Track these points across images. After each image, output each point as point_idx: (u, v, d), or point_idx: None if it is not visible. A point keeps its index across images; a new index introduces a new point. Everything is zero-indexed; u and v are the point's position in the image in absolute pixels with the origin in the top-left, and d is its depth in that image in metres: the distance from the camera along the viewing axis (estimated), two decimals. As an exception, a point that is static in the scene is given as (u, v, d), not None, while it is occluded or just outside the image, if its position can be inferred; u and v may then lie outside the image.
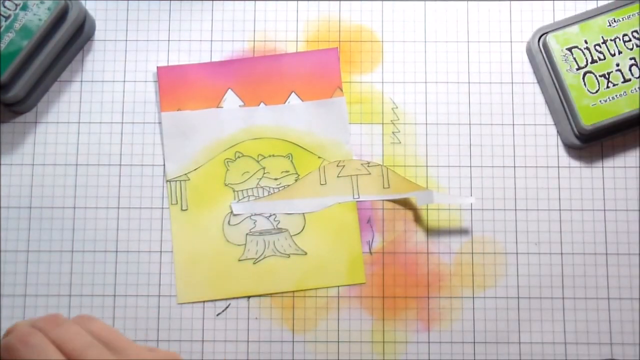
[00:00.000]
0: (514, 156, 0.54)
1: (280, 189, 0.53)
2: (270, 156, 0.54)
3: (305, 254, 0.52)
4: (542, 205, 0.53)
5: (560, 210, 0.53)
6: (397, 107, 0.55)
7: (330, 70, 0.55)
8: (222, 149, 0.53)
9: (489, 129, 0.54)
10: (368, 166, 0.53)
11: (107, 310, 0.52)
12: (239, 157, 0.53)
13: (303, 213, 0.53)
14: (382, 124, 0.54)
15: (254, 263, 0.52)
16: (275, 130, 0.54)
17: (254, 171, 0.53)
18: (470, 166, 0.54)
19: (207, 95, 0.54)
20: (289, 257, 0.52)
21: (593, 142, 0.53)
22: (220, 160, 0.53)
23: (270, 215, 0.53)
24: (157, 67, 0.54)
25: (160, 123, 0.54)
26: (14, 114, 0.54)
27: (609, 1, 0.55)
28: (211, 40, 0.55)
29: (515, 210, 0.53)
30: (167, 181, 0.53)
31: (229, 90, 0.54)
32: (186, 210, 0.53)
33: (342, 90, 0.54)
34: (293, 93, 0.54)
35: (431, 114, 0.54)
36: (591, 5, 0.55)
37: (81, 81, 0.55)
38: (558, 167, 0.54)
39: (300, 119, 0.54)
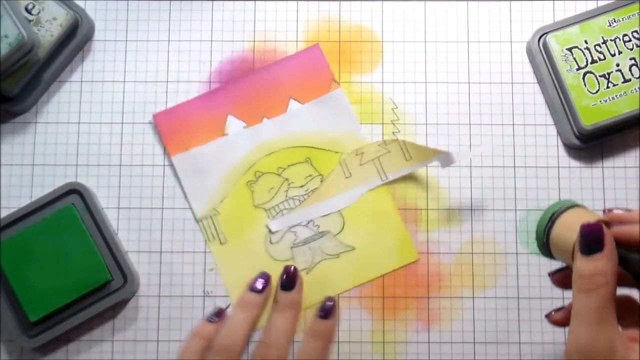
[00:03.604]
0: (514, 156, 0.54)
1: (309, 194, 0.53)
2: (289, 166, 0.53)
3: (353, 249, 0.52)
4: (542, 205, 0.53)
5: (560, 210, 0.53)
6: (397, 107, 0.55)
7: (319, 66, 0.54)
8: (241, 174, 0.53)
9: (489, 129, 0.54)
10: (385, 145, 0.53)
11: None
12: (259, 176, 0.53)
13: (338, 210, 0.53)
14: (382, 124, 0.54)
15: (307, 273, 0.52)
16: (286, 140, 0.54)
17: (279, 185, 0.53)
18: (470, 166, 0.54)
19: (209, 126, 0.53)
20: (338, 257, 0.52)
21: (593, 142, 0.53)
22: (242, 185, 0.53)
23: (308, 222, 0.53)
24: (153, 114, 0.53)
25: (171, 165, 0.54)
26: (13, 114, 0.54)
27: (609, 1, 0.55)
28: (211, 40, 0.55)
29: (515, 210, 0.53)
30: (198, 221, 0.53)
31: (229, 116, 0.54)
32: (225, 243, 0.52)
33: (337, 82, 0.54)
34: (291, 99, 0.54)
35: (431, 114, 0.54)
36: (591, 5, 0.55)
37: (81, 81, 0.55)
38: (558, 167, 0.54)
39: (306, 122, 0.54)
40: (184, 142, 0.53)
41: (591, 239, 0.34)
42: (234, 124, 0.54)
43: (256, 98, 0.54)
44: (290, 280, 0.45)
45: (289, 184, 0.53)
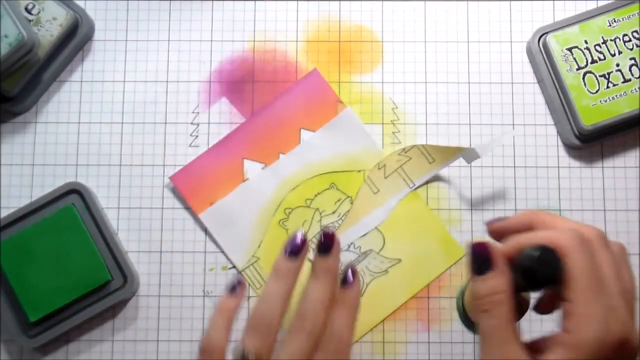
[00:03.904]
0: (514, 156, 0.54)
1: (342, 218, 0.53)
2: (316, 195, 0.53)
3: (400, 260, 0.52)
4: (542, 205, 0.53)
5: (560, 210, 0.53)
6: (397, 107, 0.55)
7: (321, 91, 0.54)
8: (271, 215, 0.53)
9: (489, 129, 0.54)
10: (405, 153, 0.53)
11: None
12: (289, 212, 0.53)
13: (375, 227, 0.52)
14: (382, 124, 0.54)
15: (361, 295, 0.51)
16: (306, 171, 0.53)
17: (311, 216, 0.53)
18: (470, 166, 0.54)
19: (228, 175, 0.53)
20: (387, 272, 0.52)
21: (593, 142, 0.53)
22: (275, 226, 0.53)
23: (349, 246, 0.52)
24: (170, 177, 0.53)
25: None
26: (13, 114, 0.54)
27: (609, 1, 0.55)
28: (211, 40, 0.55)
29: (516, 210, 0.53)
30: (240, 272, 0.52)
31: (245, 160, 0.53)
32: None
33: (342, 102, 0.54)
34: (302, 130, 0.54)
35: (431, 114, 0.54)
36: (591, 5, 0.55)
37: (81, 81, 0.55)
38: (558, 167, 0.54)
39: (322, 148, 0.53)
40: (207, 197, 0.53)
41: (479, 258, 0.34)
42: (251, 168, 0.53)
43: (267, 137, 0.54)
44: (327, 242, 0.40)
45: (320, 214, 0.53)
